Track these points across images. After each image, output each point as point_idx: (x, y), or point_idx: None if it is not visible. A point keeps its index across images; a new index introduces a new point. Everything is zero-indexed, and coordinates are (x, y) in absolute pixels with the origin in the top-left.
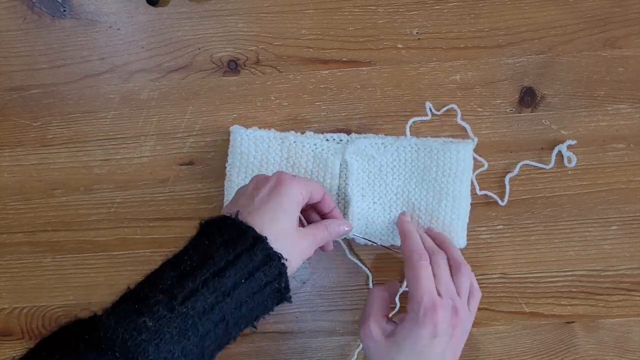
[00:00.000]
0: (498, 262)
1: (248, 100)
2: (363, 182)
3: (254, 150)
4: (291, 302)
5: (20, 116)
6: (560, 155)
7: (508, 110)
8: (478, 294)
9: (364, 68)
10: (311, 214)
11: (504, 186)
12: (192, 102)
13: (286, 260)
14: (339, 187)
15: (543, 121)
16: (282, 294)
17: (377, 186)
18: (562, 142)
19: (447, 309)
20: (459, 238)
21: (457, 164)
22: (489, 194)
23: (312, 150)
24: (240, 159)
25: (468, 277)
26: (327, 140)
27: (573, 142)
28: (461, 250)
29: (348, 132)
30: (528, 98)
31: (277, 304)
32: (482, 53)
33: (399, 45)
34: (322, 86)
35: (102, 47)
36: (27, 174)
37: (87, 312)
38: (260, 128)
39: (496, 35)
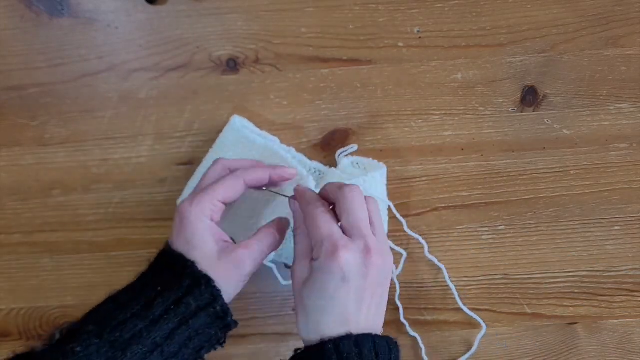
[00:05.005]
0: (500, 262)
1: (247, 99)
2: None
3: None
4: (237, 325)
5: (18, 115)
6: None
7: (510, 109)
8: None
9: (364, 67)
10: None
11: (504, 186)
12: (190, 101)
13: (214, 283)
14: None
15: (545, 120)
16: (223, 320)
17: None
18: (565, 141)
19: (353, 250)
20: None
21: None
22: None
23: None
24: (224, 148)
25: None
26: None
27: None
28: (459, 252)
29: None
30: (530, 97)
31: (224, 332)
32: (484, 52)
33: (400, 44)
34: (322, 85)
35: (100, 46)
36: (25, 174)
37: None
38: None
39: (498, 33)
